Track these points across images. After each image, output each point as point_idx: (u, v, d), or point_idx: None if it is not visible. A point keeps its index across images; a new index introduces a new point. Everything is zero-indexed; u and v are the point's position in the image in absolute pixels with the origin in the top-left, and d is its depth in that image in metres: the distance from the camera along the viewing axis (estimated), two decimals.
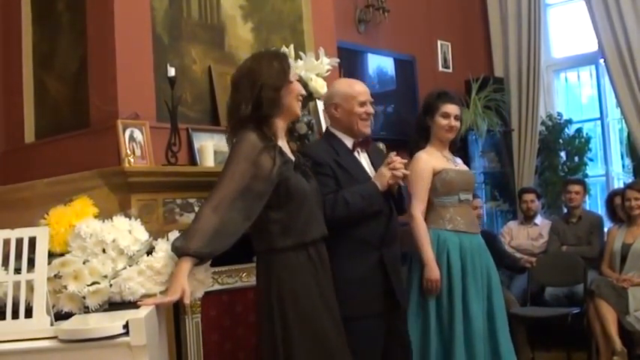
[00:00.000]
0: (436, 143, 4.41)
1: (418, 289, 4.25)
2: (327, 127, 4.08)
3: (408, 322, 4.15)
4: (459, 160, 4.55)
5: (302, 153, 3.65)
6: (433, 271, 4.19)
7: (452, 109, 4.44)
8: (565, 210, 7.36)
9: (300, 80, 4.18)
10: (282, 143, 3.29)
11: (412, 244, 4.33)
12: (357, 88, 3.98)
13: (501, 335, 4.24)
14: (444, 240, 4.27)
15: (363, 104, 3.93)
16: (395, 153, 3.88)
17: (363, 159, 3.95)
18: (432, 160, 4.35)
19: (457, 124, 4.46)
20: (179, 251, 2.88)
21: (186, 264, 2.87)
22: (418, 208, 4.28)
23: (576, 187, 7.09)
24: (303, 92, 3.39)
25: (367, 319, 3.65)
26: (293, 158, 3.32)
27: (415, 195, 4.29)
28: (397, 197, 3.95)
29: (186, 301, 2.86)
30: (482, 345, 4.16)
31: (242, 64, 3.37)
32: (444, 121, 4.42)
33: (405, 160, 3.90)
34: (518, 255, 7.02)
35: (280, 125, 3.29)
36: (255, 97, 3.17)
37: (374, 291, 3.75)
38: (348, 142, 3.89)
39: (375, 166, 3.95)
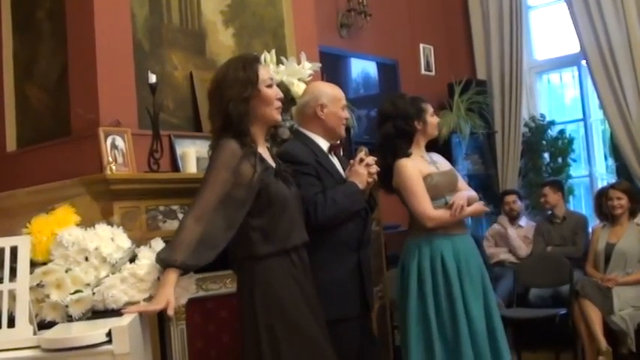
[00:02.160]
0: (416, 146, 4.40)
1: (417, 297, 4.22)
2: (297, 129, 4.05)
3: (409, 330, 4.17)
4: (436, 158, 4.53)
5: (281, 154, 3.63)
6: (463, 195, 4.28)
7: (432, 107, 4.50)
8: (549, 211, 7.38)
9: (281, 85, 4.20)
10: (262, 149, 3.27)
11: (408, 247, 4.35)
12: (340, 92, 3.99)
13: (499, 334, 4.23)
14: (437, 245, 4.24)
15: (344, 108, 3.96)
16: (366, 150, 3.89)
17: (335, 161, 3.94)
18: (417, 164, 4.34)
19: None
20: (164, 263, 2.86)
21: (173, 275, 2.85)
22: (429, 208, 4.22)
23: (544, 190, 7.16)
24: (280, 96, 3.32)
25: (347, 321, 3.65)
26: (274, 164, 3.29)
27: (420, 198, 4.22)
28: (369, 197, 3.96)
29: (170, 312, 2.83)
30: (487, 345, 4.15)
31: (214, 74, 3.33)
32: (435, 119, 4.46)
33: (375, 158, 3.90)
34: (503, 256, 7.11)
35: (258, 132, 3.26)
36: (223, 111, 3.15)
37: (352, 294, 3.75)
38: (322, 144, 3.87)
39: (344, 169, 3.96)
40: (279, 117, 3.34)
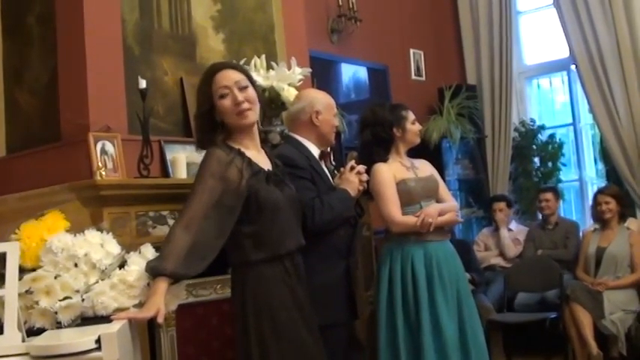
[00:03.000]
0: (395, 153, 4.42)
1: (386, 301, 4.25)
2: (288, 134, 4.05)
3: (378, 334, 4.19)
4: (418, 164, 4.54)
5: (277, 158, 3.63)
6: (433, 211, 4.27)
7: (414, 115, 4.51)
8: (540, 217, 7.39)
9: (271, 90, 4.21)
10: (253, 153, 3.24)
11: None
12: (332, 100, 4.05)
13: (472, 344, 4.21)
14: (407, 252, 4.26)
15: (335, 115, 4.03)
16: (355, 155, 3.92)
17: (325, 170, 3.97)
18: (392, 169, 4.36)
19: None
20: (154, 271, 2.84)
21: (163, 284, 2.83)
22: (396, 213, 4.25)
23: (547, 195, 7.14)
24: (238, 100, 3.15)
25: (335, 327, 3.66)
26: (269, 167, 3.27)
27: (387, 201, 4.26)
28: (356, 205, 3.98)
29: (160, 320, 2.83)
30: (457, 354, 4.13)
31: None
32: (417, 127, 4.49)
33: (365, 167, 3.95)
34: (493, 261, 7.13)
35: (245, 137, 3.24)
36: (196, 124, 3.28)
37: (341, 299, 3.78)
38: (313, 151, 3.90)
39: (333, 177, 4.00)
40: (244, 121, 3.21)
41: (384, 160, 4.36)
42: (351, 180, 3.82)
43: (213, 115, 3.19)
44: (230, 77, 3.22)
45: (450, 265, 4.32)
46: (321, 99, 3.98)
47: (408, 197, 4.30)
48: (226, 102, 3.18)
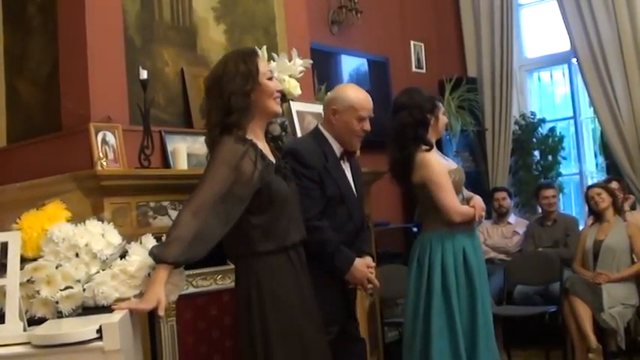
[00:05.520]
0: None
1: (441, 290, 4.25)
2: (317, 126, 4.01)
3: (432, 323, 4.18)
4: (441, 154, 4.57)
5: (291, 151, 3.61)
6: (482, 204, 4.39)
7: None
8: (540, 212, 7.39)
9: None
10: (263, 145, 3.24)
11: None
12: (363, 102, 3.91)
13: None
14: (459, 241, 4.29)
15: (361, 120, 3.88)
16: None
17: (347, 168, 3.92)
18: (440, 159, 4.38)
19: None
20: (156, 258, 2.86)
21: (164, 272, 2.84)
22: (458, 203, 4.30)
23: (550, 192, 7.15)
24: (279, 87, 3.29)
25: (328, 325, 3.58)
26: (274, 160, 3.27)
27: (450, 192, 4.26)
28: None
29: (161, 313, 2.83)
30: (493, 332, 4.34)
31: (212, 70, 3.31)
32: (445, 119, 4.52)
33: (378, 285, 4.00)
34: (492, 254, 7.13)
35: (260, 126, 3.25)
36: (224, 105, 3.12)
37: (334, 299, 3.77)
38: (336, 148, 3.86)
39: (355, 177, 3.96)
40: (279, 109, 3.33)
41: (430, 144, 4.34)
42: (358, 277, 3.83)
43: (248, 97, 3.15)
44: (268, 65, 3.28)
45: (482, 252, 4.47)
46: (344, 97, 3.89)
47: (456, 188, 4.34)
48: (273, 84, 3.24)
